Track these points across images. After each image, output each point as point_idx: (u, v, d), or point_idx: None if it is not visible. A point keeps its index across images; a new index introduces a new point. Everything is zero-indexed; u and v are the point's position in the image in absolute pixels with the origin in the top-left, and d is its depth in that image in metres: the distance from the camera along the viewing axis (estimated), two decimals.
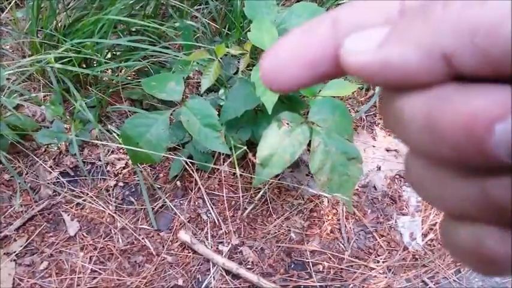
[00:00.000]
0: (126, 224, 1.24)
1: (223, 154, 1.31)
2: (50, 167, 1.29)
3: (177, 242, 1.23)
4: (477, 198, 0.14)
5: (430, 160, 0.15)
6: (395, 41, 0.14)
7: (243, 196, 1.30)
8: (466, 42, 0.12)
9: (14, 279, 1.12)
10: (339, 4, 1.66)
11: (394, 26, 0.14)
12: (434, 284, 1.25)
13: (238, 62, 1.28)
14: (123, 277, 1.16)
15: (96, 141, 1.30)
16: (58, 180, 1.28)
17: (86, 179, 1.29)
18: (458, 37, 0.13)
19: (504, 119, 0.12)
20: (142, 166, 1.32)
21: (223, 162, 1.32)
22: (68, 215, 1.24)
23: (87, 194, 1.27)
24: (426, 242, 1.32)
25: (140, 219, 1.26)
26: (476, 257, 0.15)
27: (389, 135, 1.50)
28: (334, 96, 1.17)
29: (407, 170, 0.17)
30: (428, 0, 0.14)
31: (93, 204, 1.26)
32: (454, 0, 0.13)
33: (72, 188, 1.28)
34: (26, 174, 1.27)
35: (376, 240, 1.31)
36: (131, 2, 1.40)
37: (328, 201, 1.35)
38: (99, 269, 1.17)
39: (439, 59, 0.13)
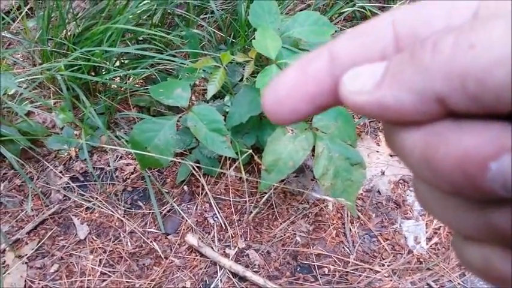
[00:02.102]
0: (135, 228, 1.26)
1: (229, 159, 1.34)
2: (61, 172, 1.32)
3: (184, 245, 1.25)
4: (480, 225, 0.14)
5: (433, 187, 0.16)
6: (389, 83, 0.14)
7: (249, 200, 1.32)
8: (457, 88, 0.13)
9: (25, 281, 1.15)
10: (341, 13, 1.69)
11: (387, 68, 0.15)
12: (439, 287, 1.26)
13: (243, 69, 1.31)
14: (132, 279, 1.18)
15: (106, 146, 1.33)
16: (68, 185, 1.31)
17: (95, 183, 1.32)
18: (449, 83, 0.13)
19: (497, 158, 0.12)
20: (150, 171, 1.35)
21: (230, 167, 1.34)
22: (78, 219, 1.27)
23: (97, 198, 1.30)
24: (431, 246, 1.33)
25: (148, 223, 1.28)
26: (485, 273, 0.15)
27: None
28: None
29: (415, 189, 0.17)
30: (417, 41, 0.14)
31: (102, 208, 1.28)
32: (442, 42, 0.13)
33: (82, 192, 1.31)
34: (37, 179, 1.30)
35: (381, 243, 1.32)
36: (139, 11, 1.44)
37: (333, 206, 1.37)
38: (109, 271, 1.19)
39: (433, 101, 0.13)
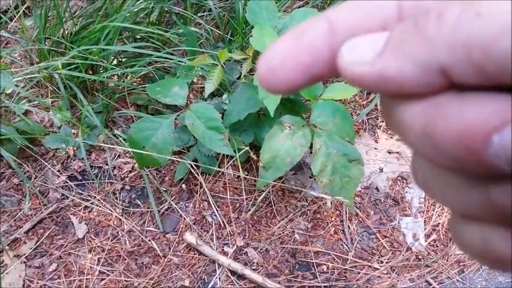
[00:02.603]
0: (133, 227, 1.26)
1: (227, 157, 1.33)
2: (58, 171, 1.32)
3: (183, 243, 1.25)
4: (480, 202, 0.14)
5: (433, 164, 0.15)
6: (391, 54, 0.14)
7: (247, 198, 1.32)
8: (462, 58, 0.12)
9: (24, 280, 1.15)
10: None
11: (389, 38, 0.14)
12: (437, 284, 1.26)
13: (241, 67, 1.31)
14: (131, 278, 1.18)
15: (103, 145, 1.33)
16: (66, 184, 1.31)
17: (93, 182, 1.32)
18: (454, 53, 0.12)
19: (500, 130, 0.12)
20: (148, 170, 1.34)
21: (227, 165, 1.34)
22: (76, 218, 1.26)
23: (95, 197, 1.30)
24: (429, 243, 1.33)
25: (147, 222, 1.28)
26: (483, 255, 0.15)
27: (391, 137, 1.52)
28: (335, 100, 1.19)
29: (413, 169, 0.17)
30: (422, 10, 0.14)
31: (100, 207, 1.28)
32: (447, 12, 0.13)
33: (80, 191, 1.31)
34: (35, 178, 1.30)
35: (380, 241, 1.32)
36: (136, 9, 1.44)
37: (331, 203, 1.37)
38: (107, 270, 1.19)
39: (436, 72, 0.13)
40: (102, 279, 1.18)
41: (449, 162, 0.13)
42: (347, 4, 0.16)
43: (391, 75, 0.14)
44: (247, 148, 1.22)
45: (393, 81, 0.14)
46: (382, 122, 1.55)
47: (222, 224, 1.29)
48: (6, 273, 1.15)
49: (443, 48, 0.13)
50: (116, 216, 1.27)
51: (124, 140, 1.33)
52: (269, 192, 1.34)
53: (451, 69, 0.13)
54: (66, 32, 1.41)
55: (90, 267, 1.19)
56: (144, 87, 1.33)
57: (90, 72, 1.40)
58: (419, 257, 1.30)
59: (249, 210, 1.31)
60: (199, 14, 1.62)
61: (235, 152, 1.18)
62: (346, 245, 1.30)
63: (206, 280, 1.20)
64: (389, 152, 1.49)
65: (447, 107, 0.13)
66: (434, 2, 0.14)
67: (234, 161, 1.33)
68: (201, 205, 1.32)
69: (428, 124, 0.13)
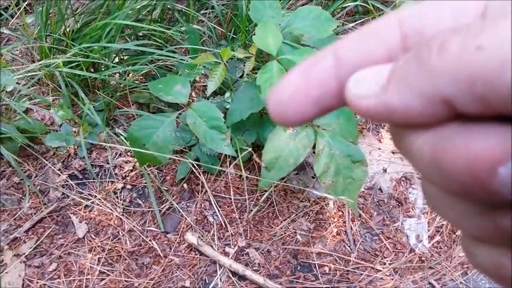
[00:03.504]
0: (134, 226, 1.25)
1: (229, 157, 1.32)
2: (59, 169, 1.31)
3: (184, 243, 1.24)
4: (488, 227, 0.14)
5: (442, 190, 0.15)
6: (395, 87, 0.14)
7: (249, 198, 1.31)
8: (465, 90, 0.12)
9: (23, 280, 1.14)
10: (343, 8, 1.66)
11: (392, 70, 0.14)
12: (441, 286, 1.25)
13: (244, 65, 1.29)
14: (131, 278, 1.17)
15: (104, 144, 1.32)
16: (67, 182, 1.30)
17: (94, 181, 1.31)
18: (457, 85, 0.13)
19: (506, 162, 0.12)
20: (150, 169, 1.33)
21: (230, 164, 1.33)
22: (77, 217, 1.25)
23: (95, 196, 1.29)
24: (433, 244, 1.31)
25: (147, 221, 1.27)
26: (495, 274, 0.15)
27: None
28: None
29: (424, 191, 0.17)
30: (423, 41, 0.14)
31: (101, 206, 1.27)
32: (449, 43, 0.13)
33: (81, 190, 1.30)
34: (35, 177, 1.29)
35: (383, 242, 1.31)
36: (138, 7, 1.42)
37: (334, 204, 1.35)
38: (107, 270, 1.18)
39: (439, 103, 0.13)
40: (103, 279, 1.17)
41: (458, 189, 0.14)
42: (352, 35, 0.16)
43: (395, 107, 0.14)
44: (250, 149, 1.21)
45: (398, 114, 0.14)
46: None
47: (223, 224, 1.28)
48: (6, 272, 1.14)
49: (446, 80, 0.13)
50: (116, 216, 1.26)
51: (125, 138, 1.32)
52: (271, 192, 1.32)
53: (455, 100, 0.13)
54: (67, 30, 1.40)
55: (90, 267, 1.18)
56: (146, 85, 1.32)
57: (92, 70, 1.39)
58: (423, 258, 1.28)
59: (251, 210, 1.30)
60: (202, 12, 1.60)
61: (237, 152, 1.17)
62: (349, 246, 1.29)
63: (207, 281, 1.19)
64: (393, 152, 1.47)
65: (454, 138, 0.13)
66: (438, 32, 0.14)
67: (236, 161, 1.31)
68: (203, 205, 1.31)
69: (437, 154, 0.14)
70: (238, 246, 1.25)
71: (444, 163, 0.13)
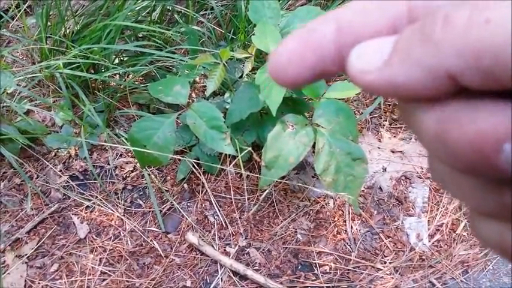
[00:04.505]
0: (135, 226, 1.26)
1: (229, 157, 1.33)
2: (60, 171, 1.32)
3: (185, 243, 1.24)
4: (495, 203, 0.15)
5: (449, 167, 0.15)
6: (398, 60, 0.14)
7: (249, 198, 1.31)
8: (471, 64, 0.12)
9: (25, 281, 1.15)
10: None
11: (396, 43, 0.14)
12: (441, 285, 1.25)
13: (243, 65, 1.30)
14: (132, 278, 1.17)
15: (105, 144, 1.32)
16: (68, 183, 1.31)
17: (95, 182, 1.31)
18: (463, 59, 0.12)
19: (510, 139, 0.12)
20: (150, 169, 1.34)
21: (230, 165, 1.33)
22: (78, 218, 1.26)
23: (97, 197, 1.29)
24: (433, 243, 1.32)
25: (148, 222, 1.27)
26: (500, 248, 0.16)
27: (394, 136, 1.51)
28: (338, 98, 1.18)
29: (431, 168, 0.17)
30: (428, 13, 0.14)
31: (102, 207, 1.28)
32: (455, 16, 0.13)
33: (82, 191, 1.30)
34: (36, 178, 1.30)
35: (383, 241, 1.31)
36: (138, 8, 1.43)
37: (334, 203, 1.35)
38: (109, 270, 1.19)
39: (444, 78, 0.13)
40: (104, 280, 1.17)
41: (463, 166, 0.14)
42: (356, 4, 0.16)
43: (399, 82, 0.14)
44: (250, 149, 1.21)
45: (402, 88, 0.14)
46: (386, 120, 1.54)
47: (224, 224, 1.28)
48: (8, 273, 1.15)
49: (451, 53, 0.13)
50: (117, 216, 1.27)
51: (126, 139, 1.33)
52: (271, 192, 1.33)
53: (460, 73, 0.13)
54: (67, 31, 1.41)
55: (92, 267, 1.19)
56: (146, 86, 1.32)
57: (92, 72, 1.39)
58: (423, 257, 1.29)
59: (251, 210, 1.30)
60: (201, 13, 1.61)
61: (237, 152, 1.17)
62: (349, 245, 1.30)
63: (208, 280, 1.20)
64: (392, 151, 1.48)
65: (460, 115, 0.13)
66: (445, 2, 0.14)
67: (236, 161, 1.32)
68: (203, 205, 1.31)
69: (442, 130, 0.14)
70: (239, 245, 1.25)
71: (449, 140, 0.13)
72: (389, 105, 1.56)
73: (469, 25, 0.12)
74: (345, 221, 1.33)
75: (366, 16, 0.15)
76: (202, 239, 1.24)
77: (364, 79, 0.15)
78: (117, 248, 1.22)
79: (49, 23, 1.40)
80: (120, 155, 1.37)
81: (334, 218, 1.33)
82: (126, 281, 1.17)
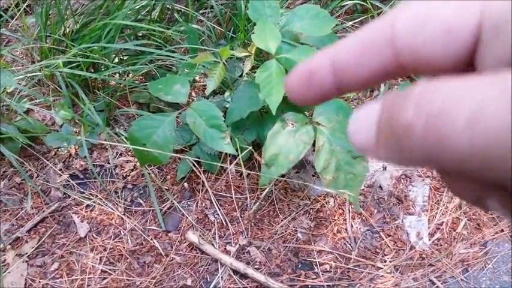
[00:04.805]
0: (135, 225, 1.26)
1: (229, 156, 1.33)
2: (60, 169, 1.32)
3: (185, 242, 1.24)
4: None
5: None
6: (382, 146, 0.15)
7: (249, 197, 1.31)
8: (435, 165, 0.14)
9: (26, 279, 1.15)
10: (342, 7, 1.67)
11: (378, 128, 0.15)
12: (441, 283, 1.25)
13: (243, 64, 1.30)
14: (133, 277, 1.17)
15: (105, 143, 1.32)
16: (68, 182, 1.31)
17: (95, 181, 1.31)
18: (428, 161, 0.13)
19: None
20: (150, 168, 1.34)
21: (230, 163, 1.33)
22: (78, 217, 1.26)
23: (97, 196, 1.29)
24: (433, 242, 1.32)
25: (149, 221, 1.27)
26: (478, 206, 0.17)
27: None
28: (338, 97, 1.17)
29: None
30: (394, 104, 0.14)
31: (102, 206, 1.28)
32: (416, 125, 0.13)
33: (82, 190, 1.30)
34: (36, 177, 1.30)
35: (383, 239, 1.31)
36: (137, 7, 1.43)
37: (334, 202, 1.35)
38: (109, 269, 1.19)
39: (426, 163, 0.14)
40: (104, 278, 1.17)
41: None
42: (349, 43, 0.17)
43: (391, 161, 0.15)
44: (251, 148, 1.21)
45: (389, 160, 0.15)
46: None
47: (224, 222, 1.28)
48: (8, 272, 1.15)
49: (419, 155, 0.13)
50: (117, 215, 1.27)
51: (126, 138, 1.33)
52: (272, 190, 1.33)
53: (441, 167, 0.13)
54: (67, 30, 1.41)
55: (92, 266, 1.19)
56: (146, 85, 1.32)
57: (92, 70, 1.39)
58: (423, 255, 1.29)
59: (252, 209, 1.30)
60: (201, 11, 1.61)
61: (237, 151, 1.17)
62: (350, 244, 1.30)
63: (208, 279, 1.20)
64: None
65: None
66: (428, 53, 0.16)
67: (236, 159, 1.32)
68: (203, 204, 1.31)
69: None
70: (239, 244, 1.25)
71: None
72: None
73: (426, 136, 0.13)
74: (345, 220, 1.33)
75: (357, 57, 0.17)
76: (203, 238, 1.24)
77: (361, 150, 0.16)
78: (117, 247, 1.22)
79: (49, 22, 1.40)
80: (120, 154, 1.37)
81: (335, 216, 1.33)
82: (127, 279, 1.17)
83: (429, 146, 0.13)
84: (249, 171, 1.33)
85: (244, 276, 1.20)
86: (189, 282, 1.18)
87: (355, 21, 1.65)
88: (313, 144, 1.09)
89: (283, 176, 1.28)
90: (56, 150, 1.34)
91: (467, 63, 0.15)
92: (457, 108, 0.12)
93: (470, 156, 0.12)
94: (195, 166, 1.31)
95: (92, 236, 1.24)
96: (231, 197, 1.31)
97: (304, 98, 0.19)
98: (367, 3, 1.62)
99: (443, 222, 1.35)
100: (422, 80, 0.14)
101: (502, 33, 0.14)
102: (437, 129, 0.12)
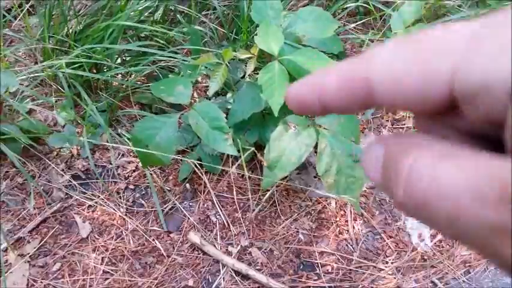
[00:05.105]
0: (137, 226, 1.26)
1: (231, 157, 1.33)
2: (62, 170, 1.32)
3: (187, 243, 1.24)
4: None
5: None
6: (386, 187, 0.17)
7: (251, 198, 1.31)
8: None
9: (28, 280, 1.15)
10: (344, 9, 1.67)
11: (383, 169, 0.17)
12: (443, 285, 1.25)
13: (246, 66, 1.30)
14: (135, 278, 1.18)
15: (107, 144, 1.32)
16: (70, 183, 1.31)
17: (97, 182, 1.32)
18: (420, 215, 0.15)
19: None
20: (152, 169, 1.34)
21: (232, 165, 1.34)
22: (80, 217, 1.26)
23: (99, 196, 1.30)
24: (435, 243, 1.32)
25: (151, 221, 1.27)
26: None
27: None
28: None
29: None
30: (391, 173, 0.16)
31: (104, 206, 1.28)
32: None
33: (84, 190, 1.30)
34: (38, 177, 1.30)
35: (385, 241, 1.31)
36: (140, 8, 1.43)
37: (336, 203, 1.36)
38: (111, 270, 1.19)
39: None
40: (106, 279, 1.17)
41: None
42: (333, 77, 0.18)
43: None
44: (253, 149, 1.21)
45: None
46: (388, 121, 1.54)
47: (226, 223, 1.28)
48: (10, 272, 1.15)
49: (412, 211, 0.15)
50: (119, 216, 1.27)
51: (128, 139, 1.33)
52: (274, 192, 1.33)
53: None
54: (70, 31, 1.41)
55: (94, 266, 1.19)
56: (148, 86, 1.32)
57: (94, 71, 1.39)
58: (425, 257, 1.29)
59: (254, 210, 1.30)
60: (203, 13, 1.61)
61: (239, 152, 1.17)
62: (351, 245, 1.30)
63: (210, 280, 1.20)
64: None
65: None
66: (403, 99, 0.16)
67: (238, 161, 1.32)
68: (205, 205, 1.31)
69: None
70: (241, 245, 1.26)
71: None
72: None
73: (416, 215, 0.15)
74: (346, 221, 1.33)
75: (339, 94, 0.18)
76: (205, 239, 1.24)
77: (371, 180, 0.18)
78: (119, 248, 1.22)
79: (52, 23, 1.41)
80: (122, 155, 1.37)
81: (336, 218, 1.33)
82: (129, 280, 1.17)
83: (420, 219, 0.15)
84: (250, 173, 1.33)
85: (245, 277, 1.20)
86: (190, 283, 1.18)
87: (358, 23, 1.66)
88: (315, 146, 1.10)
89: (285, 177, 1.28)
90: (58, 150, 1.34)
91: (447, 106, 0.16)
92: (438, 204, 0.14)
93: (452, 236, 0.14)
94: (197, 167, 1.31)
95: (94, 236, 1.24)
96: (233, 198, 1.32)
97: (301, 112, 0.20)
98: (369, 5, 1.62)
99: None
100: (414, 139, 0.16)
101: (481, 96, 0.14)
102: (425, 216, 0.14)
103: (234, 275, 1.20)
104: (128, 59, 1.46)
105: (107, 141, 1.32)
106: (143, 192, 1.33)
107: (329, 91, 0.18)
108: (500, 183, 0.12)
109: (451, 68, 0.15)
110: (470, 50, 0.14)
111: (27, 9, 1.51)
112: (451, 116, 0.16)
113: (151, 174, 1.32)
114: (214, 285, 1.19)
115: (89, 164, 1.32)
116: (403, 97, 0.16)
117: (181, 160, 1.32)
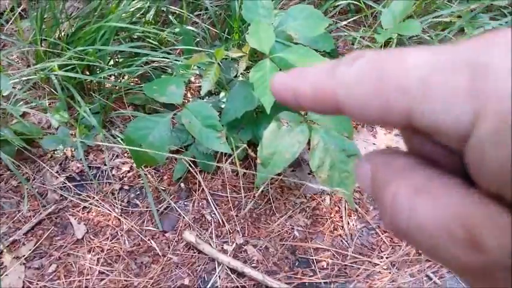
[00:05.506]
0: (132, 226, 1.26)
1: (225, 155, 1.33)
2: (57, 172, 1.32)
3: (182, 242, 1.25)
4: None
5: None
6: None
7: (246, 196, 1.32)
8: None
9: (23, 282, 1.15)
10: (335, 7, 1.68)
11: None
12: (438, 279, 1.26)
13: (238, 65, 1.31)
14: (130, 278, 1.18)
15: (101, 144, 1.33)
16: (65, 185, 1.31)
17: (91, 183, 1.32)
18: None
19: None
20: (147, 169, 1.34)
21: (226, 163, 1.34)
22: (75, 219, 1.26)
23: (93, 197, 1.30)
24: None
25: (146, 221, 1.28)
26: None
27: (389, 132, 1.52)
28: None
29: None
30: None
31: (99, 207, 1.28)
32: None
33: (79, 192, 1.31)
34: (33, 179, 1.30)
35: (379, 236, 1.32)
36: (132, 9, 1.44)
37: (330, 199, 1.36)
38: (107, 270, 1.19)
39: None
40: (102, 279, 1.18)
41: None
42: (307, 87, 0.18)
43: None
44: (245, 145, 1.22)
45: None
46: None
47: (221, 222, 1.29)
48: (6, 274, 1.15)
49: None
50: (114, 216, 1.27)
51: (122, 140, 1.33)
52: (268, 189, 1.33)
53: None
54: (62, 34, 1.41)
55: (90, 267, 1.19)
56: (141, 87, 1.33)
57: (87, 73, 1.40)
58: (420, 251, 1.29)
59: (248, 207, 1.31)
60: (195, 13, 1.62)
61: (233, 150, 1.18)
62: (346, 241, 1.30)
63: (206, 278, 1.20)
64: (387, 147, 1.48)
65: None
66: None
67: (232, 159, 1.33)
68: (200, 203, 1.32)
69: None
70: (236, 243, 1.26)
71: None
72: None
73: (403, 238, 0.15)
74: (341, 217, 1.34)
75: (314, 99, 0.18)
76: (200, 238, 1.25)
77: (365, 192, 0.19)
78: (114, 248, 1.23)
79: (44, 26, 1.41)
80: (117, 156, 1.38)
81: (331, 214, 1.34)
82: (124, 280, 1.18)
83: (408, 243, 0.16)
84: (244, 170, 1.34)
85: (241, 274, 1.20)
86: (186, 281, 1.19)
87: (349, 20, 1.67)
88: (308, 143, 1.10)
89: (279, 174, 1.28)
90: (52, 152, 1.34)
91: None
92: (419, 237, 0.14)
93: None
94: (191, 166, 1.31)
95: (89, 237, 1.24)
96: (227, 196, 1.32)
97: (284, 105, 0.20)
98: (360, 3, 1.64)
99: None
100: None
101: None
102: (410, 242, 0.15)
103: (229, 273, 1.21)
104: (120, 60, 1.47)
105: (101, 143, 1.33)
106: (138, 192, 1.33)
107: (304, 97, 0.18)
108: (465, 226, 0.13)
109: (407, 108, 0.15)
110: (422, 92, 0.14)
111: (19, 12, 1.51)
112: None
113: (145, 174, 1.32)
114: (210, 284, 1.19)
115: (83, 165, 1.32)
116: (369, 119, 0.16)
117: (175, 159, 1.33)
